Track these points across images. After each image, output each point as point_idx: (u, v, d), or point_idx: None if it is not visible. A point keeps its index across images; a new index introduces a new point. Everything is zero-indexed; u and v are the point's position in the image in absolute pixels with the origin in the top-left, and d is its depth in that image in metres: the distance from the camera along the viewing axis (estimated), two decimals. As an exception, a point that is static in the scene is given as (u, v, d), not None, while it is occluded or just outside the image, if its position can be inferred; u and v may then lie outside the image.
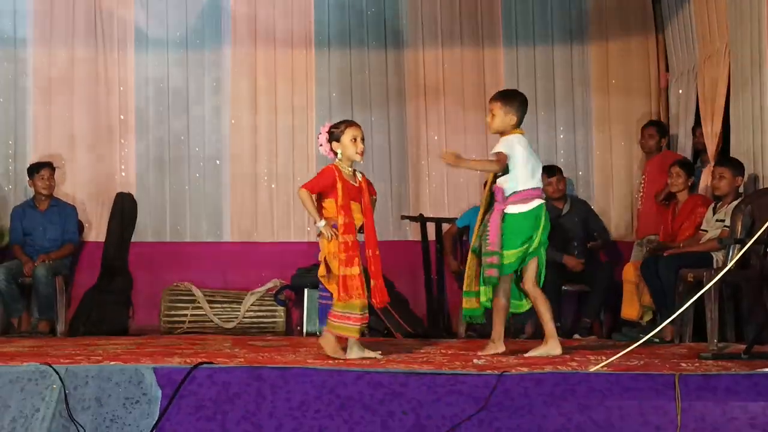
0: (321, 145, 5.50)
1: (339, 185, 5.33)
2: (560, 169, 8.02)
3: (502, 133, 5.50)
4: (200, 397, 3.79)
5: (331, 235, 5.29)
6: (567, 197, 8.01)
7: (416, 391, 3.69)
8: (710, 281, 6.03)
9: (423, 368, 4.81)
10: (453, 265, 8.22)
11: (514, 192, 5.42)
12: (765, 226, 4.12)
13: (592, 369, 4.13)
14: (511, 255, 5.41)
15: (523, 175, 5.43)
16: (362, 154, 5.43)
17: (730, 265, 4.32)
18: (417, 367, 4.89)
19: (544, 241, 5.51)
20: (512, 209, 5.42)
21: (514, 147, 5.42)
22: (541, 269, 5.54)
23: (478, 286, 5.51)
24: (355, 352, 5.32)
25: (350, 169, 5.45)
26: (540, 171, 5.56)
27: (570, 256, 7.69)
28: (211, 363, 3.98)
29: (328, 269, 5.34)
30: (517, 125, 5.50)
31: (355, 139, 5.41)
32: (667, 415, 3.74)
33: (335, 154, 5.44)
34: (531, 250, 5.45)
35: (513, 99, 5.53)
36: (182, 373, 3.76)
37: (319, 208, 5.37)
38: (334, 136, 5.44)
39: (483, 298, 5.52)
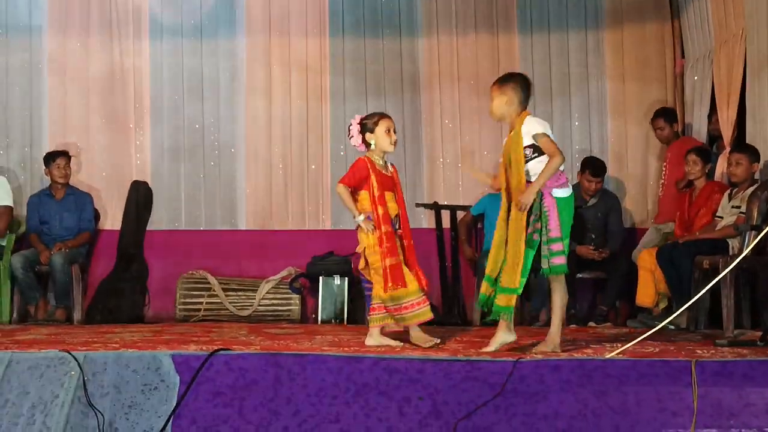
0: (352, 136, 5.53)
1: (373, 176, 5.38)
2: (605, 170, 7.93)
3: (504, 118, 5.16)
4: (218, 383, 3.81)
5: (371, 229, 5.33)
6: (599, 190, 7.95)
7: (432, 378, 3.70)
8: (726, 268, 6.04)
9: (438, 354, 4.84)
10: (468, 253, 8.21)
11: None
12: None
13: (608, 356, 4.13)
14: (567, 243, 5.03)
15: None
16: (395, 144, 5.48)
17: (746, 252, 4.31)
18: (432, 354, 4.91)
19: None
20: (559, 193, 5.02)
21: (545, 125, 5.06)
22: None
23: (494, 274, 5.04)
24: (373, 339, 5.36)
25: (383, 160, 5.50)
26: None
27: (583, 246, 7.65)
28: (228, 350, 3.99)
29: (367, 262, 5.41)
30: (522, 107, 5.12)
31: (389, 130, 5.47)
32: (684, 401, 3.73)
33: (368, 145, 5.48)
34: None
35: (507, 82, 5.16)
36: (200, 360, 3.78)
37: (354, 201, 5.42)
38: (367, 127, 5.48)
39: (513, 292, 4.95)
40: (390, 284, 5.31)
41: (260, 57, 8.70)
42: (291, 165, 8.64)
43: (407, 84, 8.70)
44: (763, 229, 6.14)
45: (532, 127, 5.04)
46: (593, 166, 7.83)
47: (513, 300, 4.99)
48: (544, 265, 4.95)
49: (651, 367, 3.61)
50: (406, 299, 5.34)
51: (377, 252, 5.34)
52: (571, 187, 5.16)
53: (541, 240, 4.95)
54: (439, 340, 5.35)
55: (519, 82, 5.16)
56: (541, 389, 3.67)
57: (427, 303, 5.39)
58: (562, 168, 5.04)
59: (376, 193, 5.37)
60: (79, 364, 3.83)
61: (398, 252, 5.37)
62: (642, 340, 4.43)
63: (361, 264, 5.46)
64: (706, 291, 4.94)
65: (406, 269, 5.37)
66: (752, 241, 6.28)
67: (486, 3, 8.71)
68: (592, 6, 8.69)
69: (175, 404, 3.76)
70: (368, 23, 8.72)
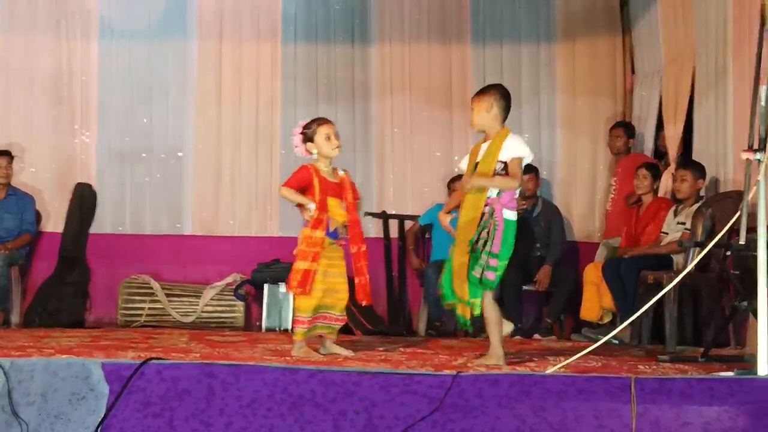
0: (296, 146, 5.49)
1: (315, 181, 5.33)
2: (537, 169, 7.94)
3: (486, 130, 5.14)
4: (148, 393, 3.70)
5: (310, 218, 5.28)
6: (539, 198, 7.95)
7: (369, 391, 3.63)
8: (670, 283, 6.06)
9: (380, 366, 4.78)
10: (415, 263, 8.18)
11: (515, 198, 5.09)
12: (725, 229, 4.08)
13: (549, 370, 4.10)
14: (503, 266, 4.99)
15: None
16: (338, 149, 5.44)
17: (689, 267, 4.31)
18: (374, 365, 4.85)
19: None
20: (509, 214, 5.01)
21: (527, 151, 5.06)
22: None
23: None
24: (302, 351, 5.31)
25: (329, 166, 5.44)
26: None
27: (544, 271, 7.65)
28: (161, 358, 3.89)
29: None
30: (503, 118, 5.11)
31: (329, 137, 5.41)
32: (622, 419, 3.71)
33: (311, 154, 5.43)
34: None
35: (487, 92, 5.16)
36: (131, 369, 3.67)
37: (300, 205, 5.38)
38: (307, 136, 5.43)
39: (476, 311, 5.02)
40: (294, 285, 5.25)
41: (211, 61, 8.60)
42: (239, 170, 8.55)
43: (359, 92, 8.65)
44: (707, 246, 6.20)
45: (516, 149, 5.04)
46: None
47: (467, 311, 5.03)
48: (477, 273, 4.92)
49: (590, 383, 3.57)
50: (302, 314, 5.32)
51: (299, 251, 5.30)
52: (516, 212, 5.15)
53: (482, 249, 4.93)
54: (323, 358, 5.25)
55: (499, 92, 5.17)
56: (479, 404, 3.62)
57: (310, 324, 5.36)
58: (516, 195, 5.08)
59: (317, 198, 5.31)
60: (4, 371, 3.71)
61: (317, 259, 5.29)
62: (585, 354, 4.40)
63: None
64: (650, 306, 4.92)
65: (324, 284, 5.32)
66: (696, 258, 6.33)
67: (439, 13, 8.70)
68: (545, 19, 8.72)
69: (103, 415, 3.65)
70: (321, 30, 8.66)
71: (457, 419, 3.69)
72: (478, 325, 7.48)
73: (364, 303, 5.52)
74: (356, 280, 5.43)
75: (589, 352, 4.48)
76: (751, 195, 3.87)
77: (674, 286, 5.89)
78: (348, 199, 5.46)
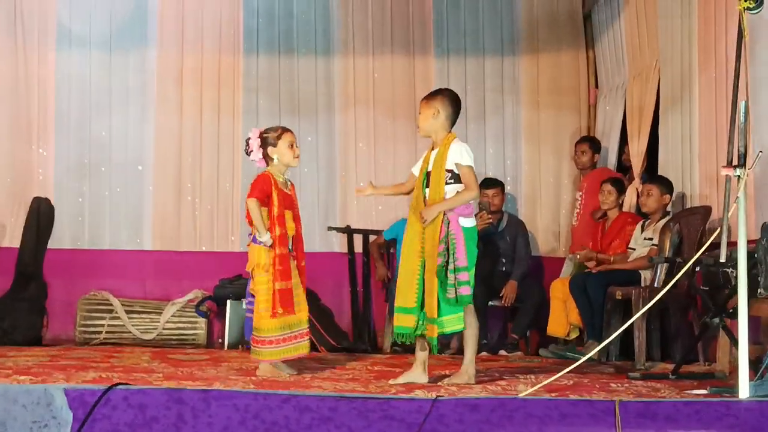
0: (252, 151, 5.34)
1: (275, 194, 5.21)
2: (503, 183, 7.89)
3: (431, 136, 5.04)
4: (114, 421, 3.55)
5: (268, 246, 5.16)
6: (504, 213, 7.89)
7: (346, 417, 3.52)
8: (639, 299, 6.04)
9: (349, 385, 4.70)
10: (381, 272, 8.02)
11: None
12: (707, 244, 4.04)
13: (527, 392, 4.02)
14: (472, 274, 4.91)
15: None
16: (299, 159, 5.35)
17: (671, 284, 4.25)
18: (343, 384, 4.77)
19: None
20: (466, 222, 4.92)
21: (472, 157, 4.96)
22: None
23: (416, 304, 4.91)
24: (268, 371, 5.20)
25: (283, 177, 5.33)
26: None
27: (510, 286, 7.61)
28: (128, 384, 3.75)
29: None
30: (450, 123, 5.00)
31: (292, 145, 5.32)
32: (605, 443, 3.62)
33: (268, 161, 5.30)
34: None
35: (435, 96, 5.04)
36: (96, 395, 3.52)
37: (250, 220, 5.25)
38: (268, 141, 5.31)
39: (457, 325, 4.87)
40: (279, 309, 5.13)
41: (171, 72, 8.45)
42: (200, 184, 8.41)
43: (322, 105, 8.56)
44: (674, 262, 6.20)
45: (458, 156, 4.93)
46: (486, 181, 7.74)
47: (408, 319, 4.91)
48: (451, 294, 4.82)
49: (574, 406, 3.48)
50: (298, 328, 5.20)
51: (269, 273, 5.15)
52: (475, 218, 5.07)
53: (447, 269, 4.83)
54: (289, 377, 5.17)
55: (447, 98, 5.05)
56: (460, 430, 3.52)
57: (308, 336, 5.30)
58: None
59: (276, 212, 5.19)
60: (-37, 399, 3.55)
61: (291, 276, 5.19)
62: (557, 374, 4.32)
63: (252, 284, 5.28)
64: (626, 325, 4.89)
65: (299, 296, 5.24)
66: (663, 274, 6.32)
67: (403, 25, 8.64)
68: (509, 32, 8.69)
69: (67, 443, 3.51)
70: (283, 42, 8.56)
71: (435, 445, 3.58)
72: (445, 342, 7.46)
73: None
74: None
75: (558, 369, 4.42)
76: (731, 212, 3.83)
77: (644, 304, 5.88)
78: (296, 209, 5.37)
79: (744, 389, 3.69)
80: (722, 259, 3.86)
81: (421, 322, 4.93)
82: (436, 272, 4.83)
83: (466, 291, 4.84)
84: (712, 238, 4.00)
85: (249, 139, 5.38)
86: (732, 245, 4.10)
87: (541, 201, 8.58)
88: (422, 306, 4.92)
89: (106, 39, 8.40)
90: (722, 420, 3.41)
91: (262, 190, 5.21)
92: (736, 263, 3.89)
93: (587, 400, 3.59)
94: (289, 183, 5.39)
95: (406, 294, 4.96)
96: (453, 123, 5.06)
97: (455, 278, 4.82)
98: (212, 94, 8.45)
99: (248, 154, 5.39)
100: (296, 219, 5.34)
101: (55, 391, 3.58)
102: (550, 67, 8.68)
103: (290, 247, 5.28)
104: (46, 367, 5.35)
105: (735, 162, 3.88)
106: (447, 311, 4.87)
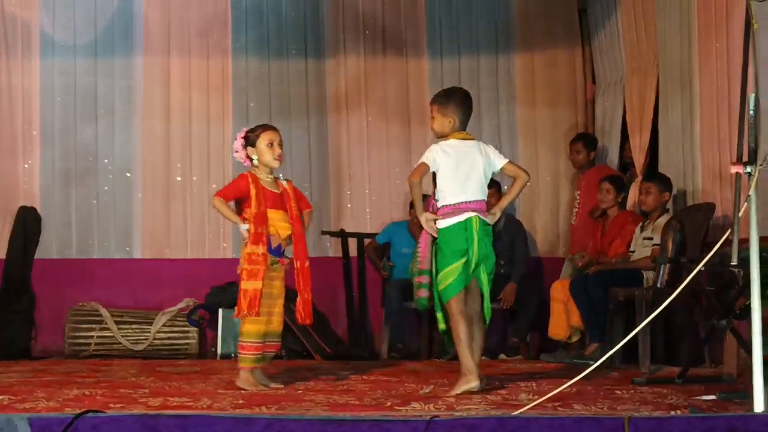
0: (236, 151, 5.23)
1: (253, 192, 5.04)
2: (499, 184, 7.70)
3: (444, 137, 4.97)
4: (83, 452, 3.33)
5: (245, 238, 5.03)
6: (503, 214, 7.68)
7: (334, 439, 3.30)
8: (642, 300, 5.85)
9: (343, 398, 4.51)
10: (385, 269, 7.81)
11: (444, 205, 4.88)
12: (716, 247, 3.84)
13: (527, 408, 3.81)
14: (449, 273, 4.78)
15: (449, 188, 4.87)
16: (280, 159, 5.16)
17: (677, 292, 4.03)
18: (337, 396, 4.58)
19: (482, 260, 4.86)
20: (442, 223, 4.84)
21: (437, 156, 4.87)
22: (484, 297, 4.89)
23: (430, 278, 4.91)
24: (248, 383, 5.02)
25: (270, 176, 5.15)
26: (477, 181, 4.93)
27: (509, 289, 7.41)
28: (98, 411, 3.51)
29: None
30: (459, 128, 4.94)
31: (272, 144, 5.14)
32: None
33: (251, 160, 5.14)
34: (471, 269, 4.84)
35: (448, 99, 4.97)
36: (62, 424, 3.29)
37: (242, 218, 5.11)
38: (249, 140, 5.18)
39: (441, 325, 4.92)
40: (244, 310, 4.96)
41: (158, 77, 8.27)
42: (190, 190, 8.22)
43: (313, 107, 8.37)
44: (678, 261, 6.01)
45: (423, 155, 4.96)
46: None
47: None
48: (415, 295, 4.91)
49: (579, 425, 3.25)
50: (250, 339, 5.04)
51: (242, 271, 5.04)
52: (466, 215, 4.86)
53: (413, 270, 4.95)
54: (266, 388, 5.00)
55: (461, 101, 4.99)
56: (456, 450, 3.30)
57: (262, 350, 5.10)
58: (462, 200, 4.86)
59: (254, 210, 5.02)
60: None
61: (263, 278, 5.00)
62: (560, 387, 4.10)
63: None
64: (637, 331, 4.68)
65: (277, 307, 5.08)
66: (666, 274, 6.13)
67: (395, 25, 8.45)
68: (503, 30, 8.51)
69: (32, 475, 3.29)
70: (273, 43, 8.38)
71: (432, 467, 3.37)
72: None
73: (308, 322, 5.24)
74: (297, 299, 5.17)
75: (562, 375, 4.22)
76: (742, 211, 3.62)
77: (648, 305, 5.71)
78: (292, 209, 5.16)
79: (759, 403, 3.46)
80: (734, 261, 3.65)
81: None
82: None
83: (423, 294, 4.86)
84: (723, 238, 3.79)
85: (236, 139, 5.25)
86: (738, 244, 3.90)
87: (538, 200, 8.39)
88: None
89: (90, 46, 8.22)
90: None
91: (231, 190, 5.13)
92: (744, 263, 3.69)
93: (594, 418, 3.36)
94: (284, 182, 5.23)
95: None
96: (461, 120, 4.99)
97: (418, 282, 4.89)
98: (201, 98, 8.26)
99: (235, 154, 5.28)
100: (293, 219, 5.15)
101: (18, 422, 3.34)
102: (546, 63, 8.51)
103: (283, 251, 5.12)
104: (28, 384, 5.19)
105: (745, 158, 3.68)
106: (437, 309, 4.90)
